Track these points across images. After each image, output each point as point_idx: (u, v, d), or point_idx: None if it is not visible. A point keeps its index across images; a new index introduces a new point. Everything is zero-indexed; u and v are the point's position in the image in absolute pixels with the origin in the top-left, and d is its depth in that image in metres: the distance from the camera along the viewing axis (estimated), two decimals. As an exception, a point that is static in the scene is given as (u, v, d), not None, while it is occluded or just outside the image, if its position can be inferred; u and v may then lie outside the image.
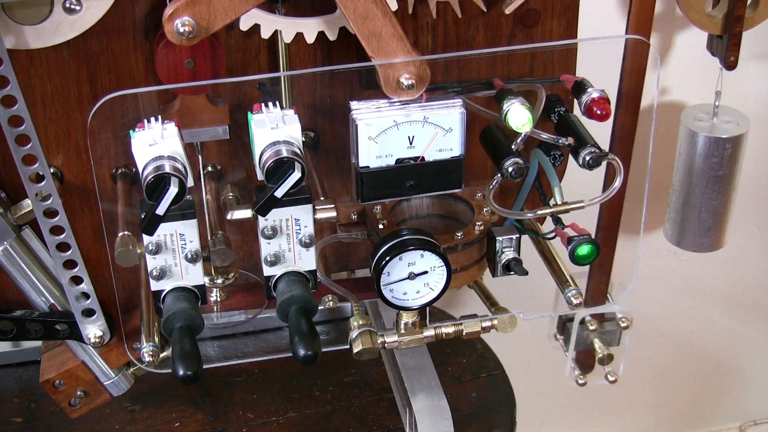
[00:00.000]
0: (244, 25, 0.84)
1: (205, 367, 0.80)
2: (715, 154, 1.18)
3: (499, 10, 0.92)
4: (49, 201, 0.84)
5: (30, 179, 0.83)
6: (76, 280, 0.88)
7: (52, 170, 0.88)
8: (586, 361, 1.38)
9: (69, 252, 0.86)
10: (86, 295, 0.89)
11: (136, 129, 0.78)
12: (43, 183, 0.83)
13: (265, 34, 0.84)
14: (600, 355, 1.34)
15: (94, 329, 0.91)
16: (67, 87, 0.86)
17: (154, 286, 0.84)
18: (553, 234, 0.90)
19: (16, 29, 0.80)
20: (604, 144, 0.87)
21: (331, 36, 0.86)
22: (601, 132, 0.91)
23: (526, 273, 0.91)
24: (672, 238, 1.28)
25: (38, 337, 0.92)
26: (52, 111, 0.87)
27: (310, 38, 0.85)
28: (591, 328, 1.33)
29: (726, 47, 1.11)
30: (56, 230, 0.85)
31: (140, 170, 0.77)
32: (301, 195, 0.82)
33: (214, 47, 0.81)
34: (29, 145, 0.81)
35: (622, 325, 1.33)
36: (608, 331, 1.35)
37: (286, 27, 0.85)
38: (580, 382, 1.38)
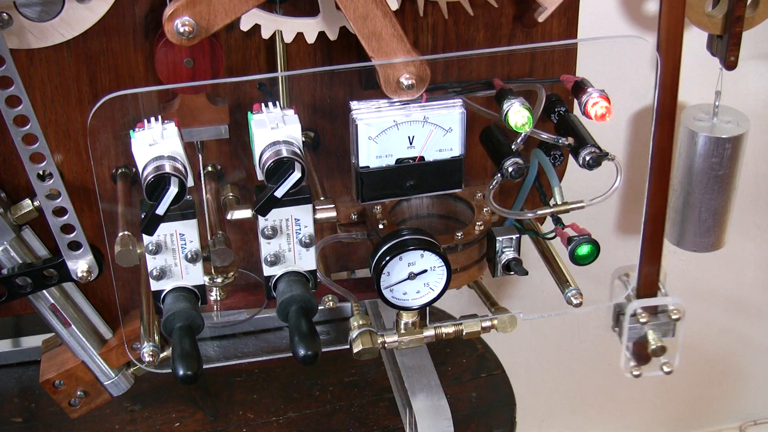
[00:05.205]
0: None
1: (205, 367, 0.80)
2: (715, 154, 1.18)
3: (498, 11, 0.92)
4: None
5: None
6: (60, 212, 0.86)
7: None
8: (643, 353, 1.37)
9: (51, 182, 0.84)
10: (71, 227, 0.87)
11: (136, 129, 0.78)
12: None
13: (245, 27, 0.85)
14: (653, 347, 1.32)
15: (81, 264, 0.90)
16: (67, 87, 0.86)
17: (154, 286, 0.84)
18: (553, 234, 0.90)
19: (18, 29, 0.80)
20: (605, 144, 0.87)
21: (309, 39, 0.86)
22: (601, 132, 0.91)
23: (526, 273, 0.91)
24: (672, 238, 1.28)
25: (32, 291, 0.90)
26: (52, 111, 0.87)
27: (288, 38, 0.86)
28: (642, 320, 1.32)
29: (726, 47, 1.11)
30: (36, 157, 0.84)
31: (140, 170, 0.77)
32: (301, 195, 0.82)
33: (214, 47, 0.81)
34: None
35: (674, 316, 1.32)
36: (663, 323, 1.33)
37: (266, 23, 0.85)
38: (634, 373, 1.37)
